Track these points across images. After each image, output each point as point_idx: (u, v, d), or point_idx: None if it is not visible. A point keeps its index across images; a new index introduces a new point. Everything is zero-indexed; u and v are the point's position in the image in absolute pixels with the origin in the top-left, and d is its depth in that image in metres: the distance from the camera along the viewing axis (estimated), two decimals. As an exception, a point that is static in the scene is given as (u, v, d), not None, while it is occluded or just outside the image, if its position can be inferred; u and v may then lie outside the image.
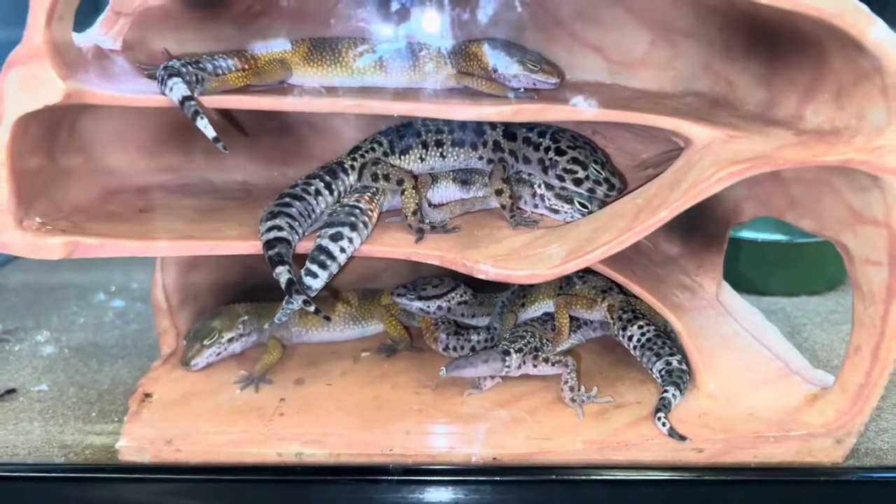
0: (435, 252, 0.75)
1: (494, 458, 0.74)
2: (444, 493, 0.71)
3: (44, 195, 0.75)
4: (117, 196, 0.84)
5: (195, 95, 0.71)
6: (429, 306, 0.89)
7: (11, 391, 0.90)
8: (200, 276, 0.91)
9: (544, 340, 0.85)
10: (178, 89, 0.70)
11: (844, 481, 0.72)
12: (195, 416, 0.79)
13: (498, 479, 0.72)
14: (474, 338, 0.89)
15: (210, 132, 0.71)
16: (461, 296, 0.91)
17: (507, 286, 0.94)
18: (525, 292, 0.92)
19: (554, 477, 0.70)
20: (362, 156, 0.83)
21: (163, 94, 0.71)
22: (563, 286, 0.90)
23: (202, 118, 0.70)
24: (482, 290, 0.94)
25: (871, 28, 0.62)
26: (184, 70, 0.72)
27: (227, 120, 0.88)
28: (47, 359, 1.00)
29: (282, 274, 0.72)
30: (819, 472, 0.73)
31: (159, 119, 0.86)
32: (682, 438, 0.73)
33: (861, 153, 0.65)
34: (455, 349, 0.89)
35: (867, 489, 0.72)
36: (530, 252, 0.73)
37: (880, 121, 0.65)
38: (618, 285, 0.88)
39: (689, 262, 0.89)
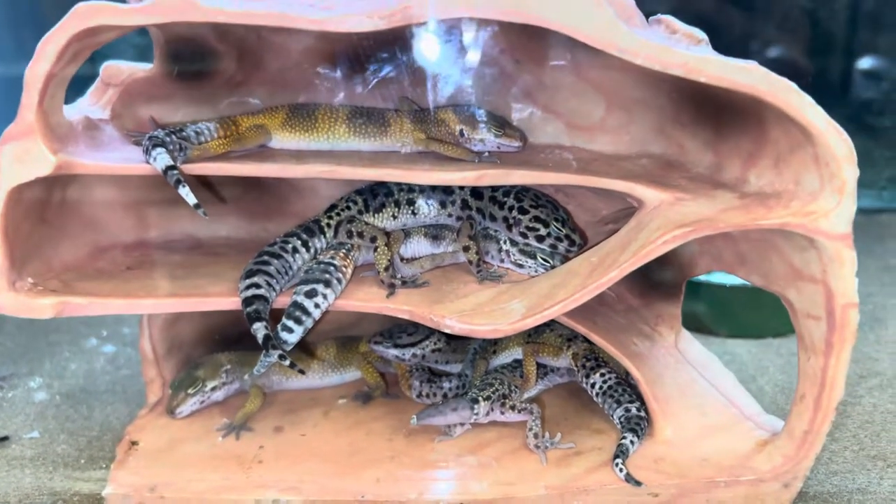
0: (405, 307, 0.80)
1: (461, 504, 0.78)
2: (413, 538, 0.75)
3: (36, 256, 0.79)
4: (106, 253, 0.89)
5: (178, 164, 0.76)
6: (404, 353, 0.93)
7: (4, 439, 0.94)
8: (185, 327, 0.96)
9: (513, 387, 0.89)
10: (161, 159, 0.75)
11: (791, 524, 0.76)
12: (179, 463, 0.83)
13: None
14: (446, 385, 0.93)
15: (191, 199, 0.75)
16: (435, 343, 0.95)
17: (479, 334, 0.99)
18: (496, 340, 0.96)
19: (515, 522, 0.74)
20: (338, 214, 0.87)
21: (147, 162, 0.76)
22: (532, 333, 0.94)
23: (184, 186, 0.75)
24: (455, 338, 0.98)
25: (800, 103, 0.67)
26: (167, 140, 0.77)
27: (207, 184, 0.93)
28: (39, 405, 1.04)
29: (258, 330, 0.77)
30: (767, 515, 0.77)
31: (146, 179, 0.91)
32: (638, 484, 0.77)
33: (797, 217, 0.70)
34: (428, 396, 0.93)
35: (813, 532, 0.76)
36: (493, 307, 0.78)
37: (814, 187, 0.71)
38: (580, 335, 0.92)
39: (649, 311, 0.93)
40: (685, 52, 0.67)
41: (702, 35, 0.77)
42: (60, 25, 0.68)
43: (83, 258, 0.86)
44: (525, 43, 0.84)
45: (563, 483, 0.79)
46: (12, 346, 1.24)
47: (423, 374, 0.95)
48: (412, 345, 0.94)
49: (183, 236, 0.95)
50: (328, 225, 0.87)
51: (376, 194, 0.88)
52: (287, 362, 0.78)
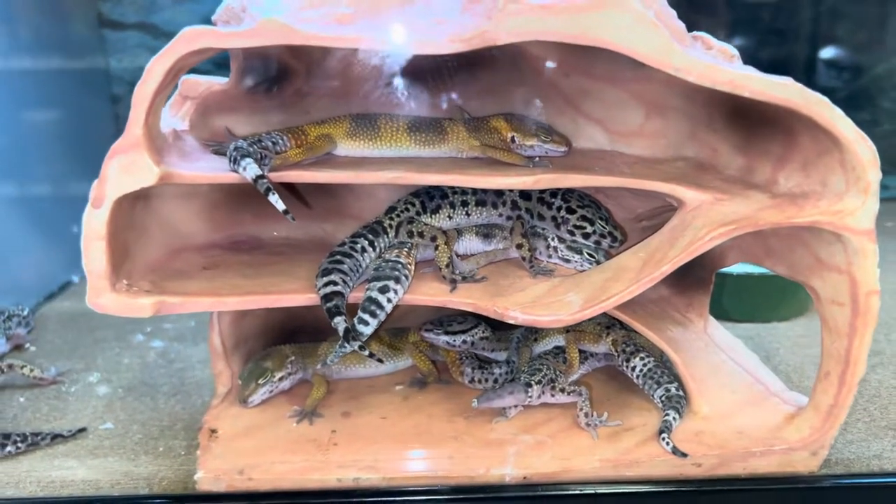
0: (468, 300, 0.88)
1: (525, 478, 0.86)
2: (484, 509, 0.84)
3: (127, 259, 0.86)
4: (180, 255, 0.95)
5: (265, 173, 0.83)
6: (455, 340, 1.01)
7: (82, 430, 1.00)
8: (250, 322, 1.02)
9: (558, 372, 0.98)
10: (251, 169, 0.82)
11: (819, 488, 0.86)
12: (260, 448, 0.90)
13: (529, 494, 0.85)
14: (497, 371, 1.01)
15: (280, 206, 0.82)
16: (483, 332, 1.03)
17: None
18: (537, 329, 1.05)
19: (579, 491, 0.83)
20: (398, 215, 0.95)
21: (234, 171, 0.83)
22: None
23: (273, 194, 0.82)
24: (497, 327, 1.06)
25: (831, 115, 0.76)
26: (251, 150, 0.84)
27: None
28: (104, 399, 1.10)
29: (339, 323, 0.84)
30: (798, 480, 0.86)
31: (213, 185, 0.97)
32: (684, 455, 0.86)
33: (826, 215, 0.79)
34: (480, 381, 1.01)
35: (839, 494, 0.86)
36: (552, 299, 0.86)
37: (840, 188, 0.80)
38: (619, 321, 1.01)
39: (680, 300, 1.02)
40: (731, 69, 0.76)
41: (734, 51, 0.86)
42: (169, 48, 0.74)
43: (162, 259, 0.93)
44: (574, 58, 0.92)
45: (615, 456, 0.87)
46: (61, 343, 1.29)
47: (473, 361, 1.03)
48: (463, 332, 1.01)
49: (247, 237, 1.02)
50: (390, 226, 0.94)
51: (432, 197, 0.96)
52: (367, 352, 0.86)
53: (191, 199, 0.96)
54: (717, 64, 0.76)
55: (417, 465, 0.87)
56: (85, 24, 1.79)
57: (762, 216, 0.80)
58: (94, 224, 0.78)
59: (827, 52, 2.12)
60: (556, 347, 1.04)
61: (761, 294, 1.28)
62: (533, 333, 1.04)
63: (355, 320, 0.86)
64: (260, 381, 0.97)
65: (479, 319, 1.04)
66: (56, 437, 0.98)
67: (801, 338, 1.23)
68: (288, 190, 0.99)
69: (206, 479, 0.86)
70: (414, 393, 1.02)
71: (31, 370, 1.13)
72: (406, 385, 1.03)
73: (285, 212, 0.83)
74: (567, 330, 1.02)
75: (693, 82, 0.75)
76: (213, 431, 0.93)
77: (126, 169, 0.76)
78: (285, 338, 1.06)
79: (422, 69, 0.97)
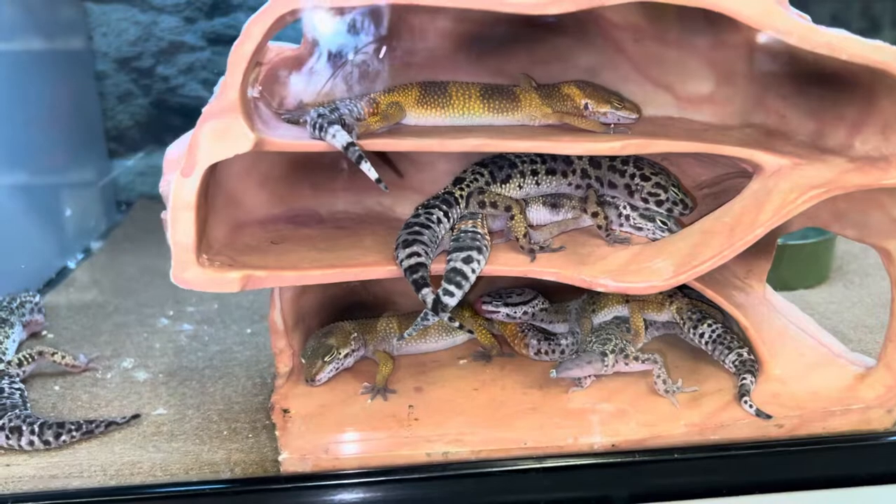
0: (551, 269, 0.87)
1: (613, 445, 0.86)
2: (580, 479, 0.83)
3: (204, 232, 0.82)
4: (245, 229, 0.91)
5: (354, 140, 0.80)
6: (515, 312, 1.00)
7: (136, 416, 0.95)
8: (309, 299, 0.99)
9: (625, 341, 0.98)
10: (340, 136, 0.79)
11: (894, 442, 0.88)
12: (339, 425, 0.88)
13: (619, 461, 0.85)
14: (563, 342, 1.01)
15: (373, 174, 0.80)
16: (542, 303, 1.02)
17: (579, 294, 1.06)
18: (594, 299, 1.04)
19: (676, 456, 0.83)
20: (468, 185, 0.93)
21: (321, 139, 0.80)
22: (630, 292, 1.03)
23: (366, 161, 0.79)
24: (550, 298, 1.05)
25: (922, 78, 0.78)
26: (335, 117, 0.81)
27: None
28: (146, 384, 1.05)
29: (427, 295, 0.82)
30: (876, 436, 0.88)
31: (275, 155, 0.93)
32: (768, 417, 0.87)
33: (911, 176, 0.81)
34: (546, 353, 1.01)
35: (913, 447, 0.88)
36: (638, 266, 0.86)
37: (923, 150, 0.82)
38: (679, 289, 1.01)
39: (740, 268, 1.03)
40: (829, 31, 0.76)
41: (806, 16, 0.87)
42: (268, 7, 0.71)
43: (228, 234, 0.89)
44: (648, 22, 0.92)
45: (701, 420, 0.88)
46: (79, 329, 1.23)
47: (538, 333, 1.02)
48: (523, 303, 1.00)
49: (306, 211, 0.98)
50: (461, 196, 0.92)
51: (501, 167, 0.94)
52: (456, 324, 0.84)
53: (251, 172, 0.92)
54: (816, 26, 0.77)
55: (504, 436, 0.86)
56: (66, -4, 1.70)
57: (848, 179, 0.82)
58: (185, 193, 0.74)
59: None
60: (616, 317, 1.04)
61: (787, 262, 1.30)
62: (591, 304, 1.04)
63: (440, 291, 0.84)
64: (326, 359, 0.94)
65: (536, 291, 1.03)
66: (110, 425, 0.93)
67: (829, 304, 1.26)
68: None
69: (292, 459, 0.83)
70: (480, 366, 1.00)
71: (63, 357, 1.07)
72: (470, 359, 1.02)
73: (378, 180, 0.81)
74: (628, 300, 1.02)
75: (793, 44, 0.76)
76: (286, 411, 0.90)
77: (220, 135, 0.73)
78: (339, 314, 1.03)
79: (488, 35, 0.95)
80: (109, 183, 1.82)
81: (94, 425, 0.92)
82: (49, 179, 1.56)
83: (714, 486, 0.84)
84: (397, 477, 0.82)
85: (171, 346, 1.16)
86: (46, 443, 0.89)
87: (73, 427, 0.90)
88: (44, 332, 1.21)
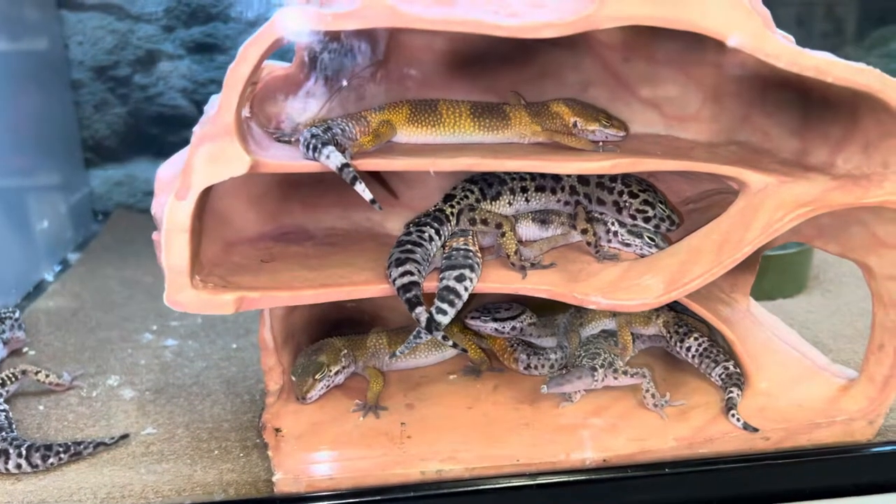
0: (543, 286, 0.88)
1: (604, 460, 0.87)
2: (573, 494, 0.84)
3: (196, 255, 0.81)
4: (235, 248, 0.91)
5: (349, 161, 0.80)
6: (504, 327, 1.01)
7: (124, 437, 0.94)
8: (298, 316, 0.99)
9: (614, 355, 0.99)
10: (335, 157, 0.79)
11: (877, 453, 0.90)
12: (332, 444, 0.88)
13: (611, 476, 0.86)
14: (552, 356, 1.02)
15: (367, 195, 0.80)
16: (530, 318, 1.03)
17: (565, 308, 1.07)
18: (581, 313, 1.05)
19: (667, 471, 0.84)
20: (458, 202, 0.93)
21: (314, 160, 0.80)
22: (617, 306, 1.04)
23: (360, 182, 0.79)
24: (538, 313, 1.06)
25: (904, 99, 0.79)
26: (328, 137, 0.80)
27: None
28: (133, 403, 1.04)
29: (421, 314, 0.82)
30: (858, 447, 0.90)
31: (265, 174, 0.93)
32: (755, 430, 0.89)
33: (894, 195, 0.83)
34: (536, 367, 1.01)
35: (894, 457, 0.90)
36: (629, 283, 0.87)
37: (904, 169, 0.84)
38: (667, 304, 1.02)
39: (724, 281, 1.04)
40: (816, 55, 0.78)
41: (790, 38, 0.89)
42: (266, 29, 0.70)
43: (219, 254, 0.88)
44: (638, 42, 0.93)
45: (689, 434, 0.89)
46: (61, 346, 1.21)
47: (527, 348, 1.03)
48: (511, 318, 1.01)
49: (295, 228, 0.98)
50: (451, 214, 0.92)
51: (490, 183, 0.95)
52: (450, 342, 0.85)
53: (241, 191, 0.92)
54: (803, 50, 0.78)
55: (497, 453, 0.87)
56: (40, 4, 1.67)
57: (832, 197, 0.84)
58: (179, 216, 0.73)
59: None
60: (603, 331, 1.05)
61: (767, 272, 1.33)
62: (579, 318, 1.05)
63: (433, 310, 0.84)
64: (317, 377, 0.94)
65: (524, 306, 1.04)
66: (98, 445, 0.92)
67: (808, 313, 1.29)
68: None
69: (286, 479, 0.83)
70: (470, 382, 1.01)
71: (47, 375, 1.05)
72: (460, 374, 1.02)
73: (372, 201, 0.81)
74: (615, 314, 1.03)
75: (782, 67, 0.77)
76: (278, 430, 0.90)
77: (215, 158, 0.72)
78: (328, 331, 1.03)
79: (479, 54, 0.95)
80: (86, 193, 1.80)
81: (82, 447, 0.91)
82: (24, 189, 1.53)
83: (704, 499, 0.86)
84: (392, 496, 0.82)
85: (156, 363, 1.15)
86: (34, 466, 0.88)
87: (60, 449, 0.89)
88: (25, 349, 1.20)
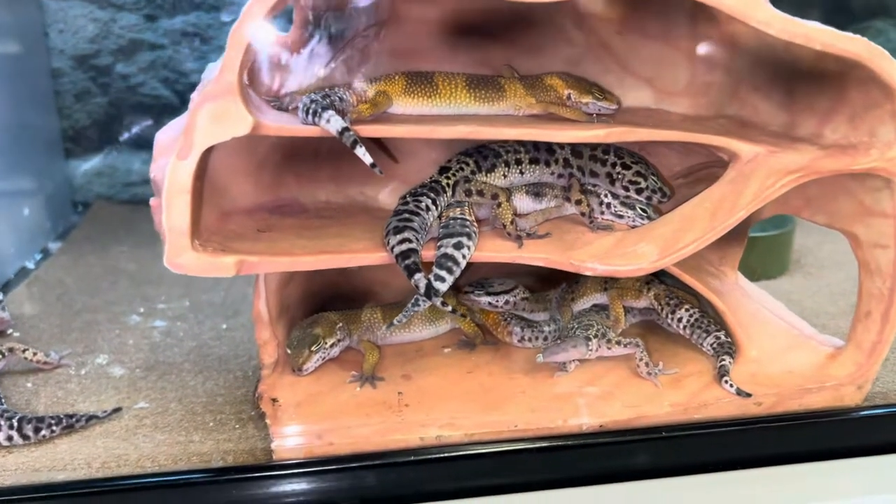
0: (540, 255, 0.88)
1: (601, 426, 0.88)
2: (571, 457, 0.85)
3: (197, 217, 0.81)
4: (231, 218, 0.90)
5: (349, 125, 0.80)
6: (497, 300, 1.01)
7: (117, 410, 0.93)
8: (293, 289, 0.98)
9: (606, 327, 1.00)
10: (335, 121, 0.79)
11: (865, 416, 0.92)
12: (330, 413, 0.88)
13: (608, 440, 0.87)
14: (546, 329, 1.02)
15: (368, 159, 0.80)
16: (523, 292, 1.04)
17: (555, 285, 1.08)
18: (572, 288, 1.06)
19: (664, 434, 0.85)
20: (454, 174, 0.94)
21: (314, 124, 0.80)
22: (608, 281, 1.05)
23: (360, 146, 0.79)
24: (530, 288, 1.07)
25: (891, 69, 0.82)
26: (327, 103, 0.81)
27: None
28: (123, 379, 1.03)
29: (420, 280, 0.83)
30: (847, 412, 0.92)
31: (261, 143, 0.93)
32: (748, 395, 0.90)
33: (880, 162, 0.85)
34: (530, 340, 1.02)
35: (882, 421, 0.92)
36: (623, 250, 0.88)
37: (889, 137, 0.86)
38: (656, 276, 1.04)
39: (713, 255, 1.06)
40: (806, 23, 0.80)
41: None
42: (270, -13, 0.70)
43: (215, 222, 0.88)
44: (630, 16, 0.94)
45: (684, 400, 0.90)
46: (46, 328, 1.20)
47: (521, 321, 1.03)
48: (505, 292, 1.02)
49: (291, 201, 0.98)
50: (447, 185, 0.93)
51: (485, 156, 0.96)
52: (449, 308, 0.85)
53: (237, 159, 0.91)
54: (794, 18, 0.80)
55: (495, 419, 0.87)
56: (20, -9, 1.65)
57: (821, 165, 0.86)
58: (180, 176, 0.73)
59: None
60: (594, 305, 1.06)
61: (751, 253, 1.35)
62: (570, 293, 1.06)
63: (431, 277, 0.84)
64: (313, 348, 0.94)
65: (516, 281, 1.05)
66: (91, 419, 0.91)
67: (791, 293, 1.31)
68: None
69: (284, 447, 0.83)
70: (465, 355, 1.01)
71: (35, 353, 1.04)
72: (454, 348, 1.03)
73: (373, 165, 0.81)
74: (606, 287, 1.05)
75: (772, 34, 0.79)
76: (275, 400, 0.90)
77: (218, 117, 0.72)
78: (321, 306, 1.03)
79: (471, 26, 0.96)
80: (65, 183, 1.78)
81: (74, 419, 0.90)
82: (2, 179, 1.51)
83: (700, 463, 0.87)
84: (391, 460, 0.82)
85: (145, 343, 1.14)
86: (26, 438, 0.87)
87: (52, 421, 0.88)
88: (9, 331, 1.18)
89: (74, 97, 1.75)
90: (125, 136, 1.79)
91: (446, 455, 0.83)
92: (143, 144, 1.79)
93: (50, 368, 1.05)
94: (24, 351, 1.03)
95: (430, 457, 0.83)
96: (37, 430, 0.87)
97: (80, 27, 1.71)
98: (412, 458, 0.82)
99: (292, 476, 0.80)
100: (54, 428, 0.88)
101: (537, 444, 0.84)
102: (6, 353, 1.02)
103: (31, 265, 1.48)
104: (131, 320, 1.21)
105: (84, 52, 1.73)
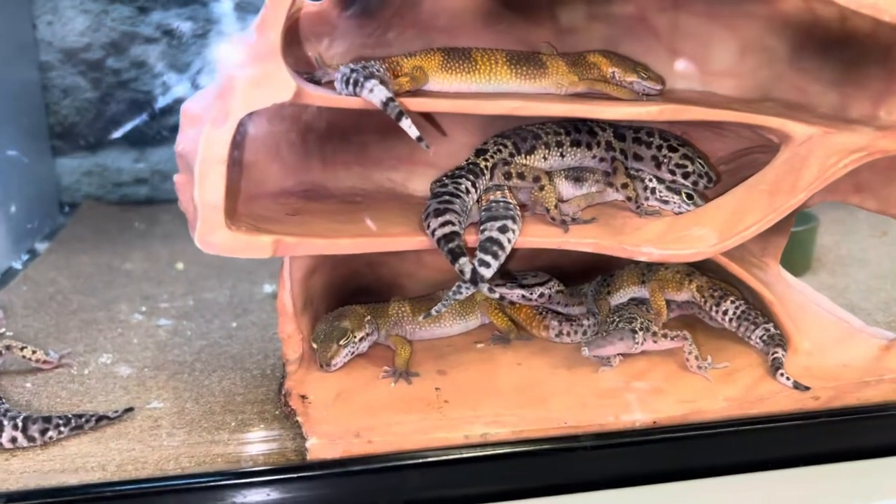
0: (588, 240, 0.83)
1: (654, 422, 0.82)
2: (626, 455, 0.79)
3: (232, 193, 0.74)
4: (258, 201, 0.84)
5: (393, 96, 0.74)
6: (531, 293, 0.96)
7: (129, 410, 0.86)
8: (317, 281, 0.92)
9: (649, 320, 0.95)
10: (378, 91, 0.74)
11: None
12: (365, 410, 0.81)
13: (661, 437, 0.81)
14: (586, 323, 0.97)
15: (414, 132, 0.74)
16: (557, 285, 0.98)
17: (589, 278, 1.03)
18: (608, 281, 1.01)
19: (719, 430, 0.80)
20: (492, 157, 0.89)
21: (355, 94, 0.74)
22: (646, 273, 1.00)
23: (406, 118, 0.74)
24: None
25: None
26: (370, 73, 0.75)
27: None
28: (131, 379, 0.95)
29: (465, 264, 0.77)
30: (905, 405, 0.88)
31: (286, 124, 0.87)
32: (806, 388, 0.85)
33: (945, 144, 0.82)
34: (568, 334, 0.96)
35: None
36: (677, 235, 0.83)
37: (950, 118, 0.82)
38: (696, 267, 0.99)
39: (755, 245, 1.01)
40: (873, -8, 0.77)
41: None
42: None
43: (242, 204, 0.82)
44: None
45: (740, 395, 0.85)
46: (41, 327, 1.12)
47: (558, 315, 0.98)
48: (539, 284, 0.96)
49: (316, 186, 0.92)
50: (486, 167, 0.88)
51: (524, 138, 0.90)
52: (496, 294, 0.80)
53: (264, 142, 0.85)
54: (862, -13, 0.76)
55: (543, 415, 0.82)
56: (7, -19, 1.58)
57: (883, 144, 0.82)
58: (216, 146, 0.67)
59: None
60: (632, 299, 1.01)
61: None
62: (606, 286, 1.01)
63: (476, 262, 0.79)
64: (342, 342, 0.88)
65: (550, 274, 1.00)
66: (101, 419, 0.83)
67: (819, 290, 1.25)
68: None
69: (321, 445, 0.76)
70: (499, 350, 0.95)
71: (33, 352, 0.96)
72: (488, 343, 0.97)
73: (419, 138, 0.75)
74: (644, 280, 1.00)
75: (842, 4, 0.76)
76: (304, 397, 0.83)
77: (258, 82, 0.66)
78: (344, 299, 0.96)
79: (505, 3, 0.91)
80: (52, 183, 1.69)
81: (83, 420, 0.82)
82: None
83: (759, 460, 0.81)
84: (436, 459, 0.76)
85: (151, 342, 1.06)
86: (31, 439, 0.79)
87: (60, 422, 0.81)
88: (2, 330, 1.10)
89: (63, 92, 1.67)
90: (116, 133, 1.71)
91: (494, 453, 0.77)
92: (135, 143, 1.72)
93: (50, 368, 0.97)
94: (21, 349, 0.96)
95: (476, 455, 0.77)
96: (43, 432, 0.80)
97: (70, 19, 1.64)
98: (457, 455, 0.76)
99: (330, 476, 0.74)
100: (62, 429, 0.81)
101: (591, 442, 0.79)
102: (2, 351, 0.94)
103: (18, 265, 1.39)
104: (133, 319, 1.14)
105: (74, 46, 1.65)
